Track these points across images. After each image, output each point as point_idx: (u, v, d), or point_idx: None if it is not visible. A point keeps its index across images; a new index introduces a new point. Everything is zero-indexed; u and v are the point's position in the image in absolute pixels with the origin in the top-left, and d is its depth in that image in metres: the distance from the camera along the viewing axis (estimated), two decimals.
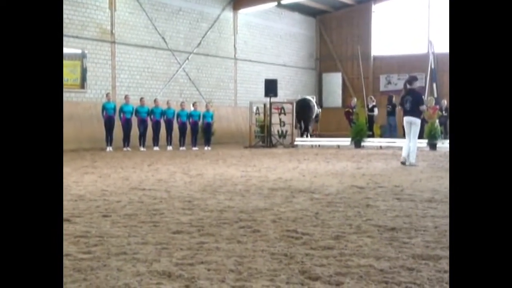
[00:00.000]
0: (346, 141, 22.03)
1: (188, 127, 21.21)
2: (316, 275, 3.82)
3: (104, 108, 19.47)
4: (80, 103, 20.88)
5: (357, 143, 21.44)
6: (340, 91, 32.73)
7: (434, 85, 28.99)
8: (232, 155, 17.29)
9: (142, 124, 20.04)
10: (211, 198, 7.75)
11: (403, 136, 16.44)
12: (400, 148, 18.56)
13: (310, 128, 25.13)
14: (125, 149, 19.55)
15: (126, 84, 22.63)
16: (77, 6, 20.79)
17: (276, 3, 28.42)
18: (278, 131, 23.63)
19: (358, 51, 31.13)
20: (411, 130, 13.35)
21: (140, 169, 12.35)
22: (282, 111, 23.65)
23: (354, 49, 31.70)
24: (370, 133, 23.23)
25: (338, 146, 21.92)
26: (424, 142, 20.14)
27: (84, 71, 21.04)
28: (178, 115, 20.93)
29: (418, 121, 13.37)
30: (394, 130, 24.38)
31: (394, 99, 24.12)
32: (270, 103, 22.72)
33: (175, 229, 5.48)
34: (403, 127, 14.72)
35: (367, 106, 24.71)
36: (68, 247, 4.71)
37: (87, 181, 9.79)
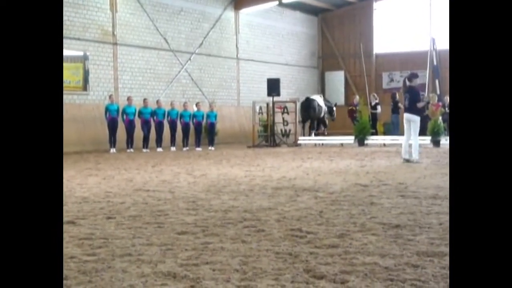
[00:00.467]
0: (350, 139, 22.01)
1: (192, 127, 21.21)
2: (321, 274, 3.81)
3: (107, 109, 19.48)
4: (82, 105, 20.90)
5: (360, 141, 21.42)
6: (343, 89, 32.71)
7: (437, 81, 28.95)
8: (236, 155, 17.29)
9: (146, 125, 20.05)
10: (215, 198, 7.75)
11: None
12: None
13: (321, 126, 25.15)
14: (128, 150, 19.56)
15: (129, 85, 22.64)
16: (78, 8, 20.80)
17: (277, 2, 28.41)
18: (281, 130, 23.62)
19: (361, 49, 31.07)
20: (410, 127, 13.30)
21: (144, 170, 12.36)
22: (285, 110, 23.64)
23: (356, 47, 31.65)
24: (374, 130, 23.20)
25: (342, 144, 21.90)
26: (427, 139, 20.11)
27: (86, 73, 21.06)
28: (181, 116, 20.93)
29: (416, 118, 13.29)
30: (397, 128, 24.34)
31: (397, 96, 24.10)
32: (273, 102, 22.71)
33: (179, 229, 5.48)
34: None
35: (370, 104, 24.69)
36: (72, 249, 4.72)
37: (91, 183, 9.80)
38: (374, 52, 32.07)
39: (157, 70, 23.86)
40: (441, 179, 9.48)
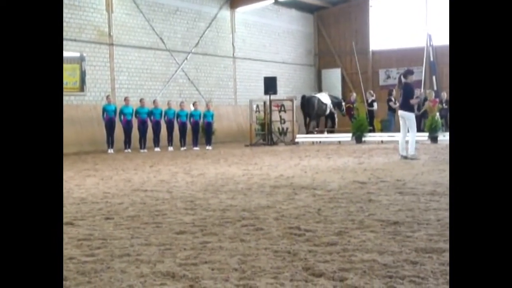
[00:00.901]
0: (347, 137, 22.01)
1: (189, 127, 21.20)
2: (319, 272, 3.82)
3: (104, 110, 19.47)
4: (80, 106, 20.88)
5: (358, 138, 21.42)
6: (339, 87, 32.70)
7: (434, 78, 28.98)
8: (233, 154, 17.29)
9: (143, 125, 20.03)
10: (213, 197, 7.76)
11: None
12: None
13: (313, 124, 25.20)
14: (126, 151, 19.55)
15: (126, 85, 22.62)
16: (74, 9, 20.77)
17: (273, 1, 28.40)
18: (278, 129, 23.62)
19: (353, 47, 31.10)
20: (405, 124, 13.32)
21: (141, 170, 12.36)
22: (282, 109, 23.64)
23: (353, 44, 31.69)
24: (371, 128, 23.21)
25: (339, 142, 21.91)
26: (424, 135, 20.15)
27: (83, 74, 21.04)
28: (178, 115, 20.92)
29: (409, 115, 13.25)
30: (391, 125, 24.38)
31: (393, 93, 24.14)
32: (270, 101, 22.71)
33: (178, 229, 5.48)
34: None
35: (367, 101, 24.69)
36: (71, 250, 4.71)
37: (89, 184, 9.80)
38: (370, 49, 32.07)
39: (153, 70, 23.84)
40: (439, 176, 9.49)
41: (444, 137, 19.53)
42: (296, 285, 3.57)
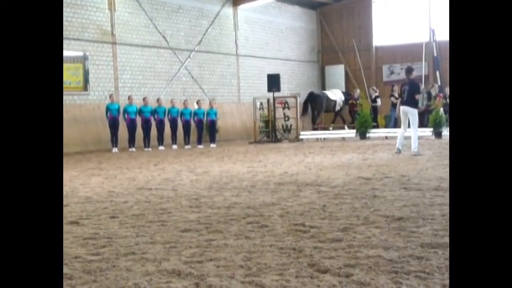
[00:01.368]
0: (351, 133, 21.99)
1: (193, 125, 21.21)
2: (325, 268, 3.82)
3: (108, 109, 19.49)
4: (83, 105, 20.91)
5: (362, 135, 21.40)
6: (343, 83, 32.63)
7: (437, 73, 28.90)
8: (238, 151, 17.29)
9: (146, 124, 20.05)
10: (218, 195, 7.76)
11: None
12: (405, 138, 18.62)
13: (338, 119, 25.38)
14: (130, 149, 19.57)
15: (129, 84, 22.64)
16: (77, 8, 20.79)
17: None
18: (282, 126, 23.62)
19: (354, 43, 31.04)
20: (406, 119, 13.36)
21: (146, 169, 12.37)
22: (286, 106, 23.64)
23: (356, 40, 31.64)
24: (375, 124, 23.19)
25: (344, 138, 21.89)
26: (428, 131, 20.14)
27: (86, 73, 21.06)
28: (182, 114, 20.93)
29: (414, 111, 13.30)
30: (392, 121, 24.27)
31: (395, 89, 24.06)
32: (274, 98, 22.71)
33: (183, 227, 5.49)
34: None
35: (370, 97, 24.66)
36: (77, 249, 4.72)
37: (94, 183, 9.81)
38: (373, 45, 32.00)
39: (157, 68, 23.84)
40: (443, 171, 9.47)
41: (448, 132, 19.49)
42: (301, 281, 3.57)
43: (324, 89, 31.55)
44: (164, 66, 24.17)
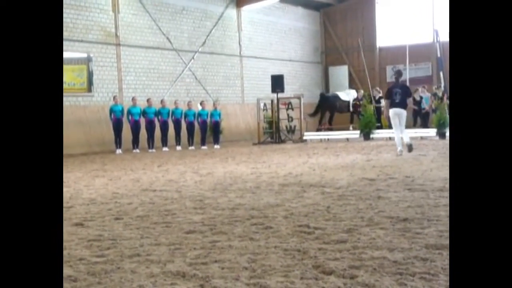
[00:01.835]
0: (355, 134, 21.97)
1: (197, 126, 21.23)
2: (330, 269, 3.81)
3: (111, 111, 19.52)
4: (87, 107, 20.94)
5: (366, 135, 21.38)
6: (347, 84, 32.61)
7: (441, 73, 28.87)
8: (242, 153, 17.30)
9: (150, 125, 20.07)
10: (222, 196, 7.76)
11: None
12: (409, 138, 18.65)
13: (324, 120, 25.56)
14: (134, 151, 19.60)
15: (133, 86, 22.67)
16: (81, 9, 20.83)
17: None
18: (286, 127, 23.62)
19: (359, 43, 31.02)
20: (399, 121, 13.69)
21: (150, 170, 12.38)
22: (290, 106, 23.64)
23: (360, 41, 31.62)
24: (379, 124, 23.15)
25: (347, 139, 21.88)
26: (432, 131, 20.18)
27: (90, 75, 21.10)
28: (186, 115, 20.95)
29: (405, 112, 13.79)
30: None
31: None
32: (278, 99, 22.72)
33: (187, 229, 5.49)
34: (388, 118, 14.99)
35: (374, 98, 24.63)
36: (81, 251, 4.73)
37: (98, 185, 9.82)
38: (377, 46, 31.97)
39: (160, 69, 23.88)
40: (447, 172, 9.45)
41: None
42: (306, 283, 3.56)
43: (328, 90, 31.58)
44: (168, 67, 24.19)
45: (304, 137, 22.72)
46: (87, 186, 9.68)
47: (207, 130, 21.51)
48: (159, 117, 20.32)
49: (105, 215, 6.59)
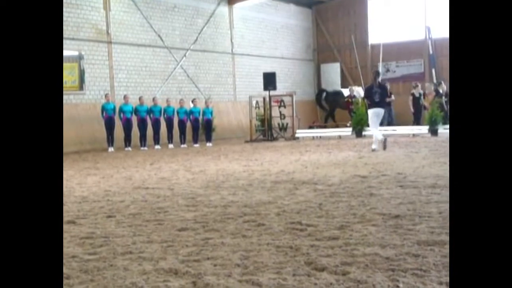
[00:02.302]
0: (348, 131, 22.01)
1: (189, 124, 21.20)
2: (322, 266, 3.82)
3: (103, 109, 19.46)
4: (79, 105, 20.87)
5: (358, 133, 21.41)
6: (339, 81, 32.62)
7: (433, 70, 28.95)
8: (234, 150, 17.29)
9: (142, 123, 20.03)
10: (215, 194, 7.76)
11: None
12: (401, 136, 18.77)
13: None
14: (126, 149, 19.55)
15: (125, 83, 22.60)
16: (72, 7, 20.73)
17: None
18: (278, 124, 23.62)
19: (352, 40, 31.04)
20: (378, 120, 14.35)
21: (142, 168, 12.36)
22: (282, 104, 23.64)
23: (352, 38, 31.64)
24: None
25: (340, 137, 21.91)
26: (424, 128, 20.25)
27: (82, 73, 21.02)
28: (178, 113, 20.91)
29: (383, 111, 14.66)
30: (392, 118, 24.17)
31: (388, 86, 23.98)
32: (270, 97, 22.71)
33: (179, 226, 5.49)
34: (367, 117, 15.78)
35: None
36: (74, 248, 4.72)
37: (90, 183, 9.80)
38: (369, 43, 32.01)
39: (152, 67, 23.81)
40: (439, 168, 9.49)
41: (444, 130, 19.52)
42: (298, 279, 3.57)
43: (321, 87, 31.56)
44: (159, 65, 24.13)
45: (296, 135, 22.74)
46: (79, 184, 9.66)
47: (199, 128, 21.48)
48: (151, 115, 20.28)
49: (97, 212, 6.59)
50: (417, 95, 22.28)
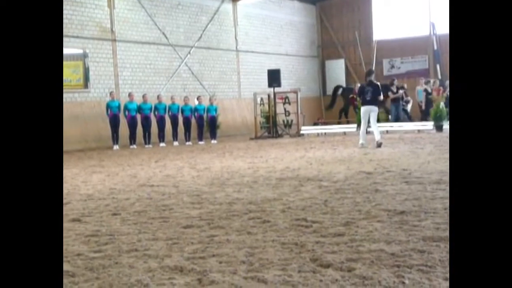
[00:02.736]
0: (352, 128, 21.98)
1: (193, 121, 21.21)
2: (327, 262, 3.82)
3: (108, 107, 19.49)
4: (84, 103, 20.91)
5: None
6: (343, 78, 32.61)
7: (438, 66, 28.88)
8: (239, 147, 17.29)
9: (146, 120, 20.04)
10: (220, 191, 7.76)
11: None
12: (406, 132, 18.75)
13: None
14: (131, 146, 19.58)
15: (129, 81, 22.63)
16: (76, 5, 20.77)
17: None
18: (283, 121, 23.62)
19: (357, 36, 30.99)
20: (370, 117, 14.49)
21: (147, 165, 12.37)
22: (287, 101, 23.63)
23: (356, 34, 31.59)
24: None
25: (345, 133, 21.88)
26: (429, 124, 20.20)
27: (86, 71, 21.06)
28: (182, 110, 20.93)
29: (376, 109, 14.80)
30: (398, 114, 24.13)
31: (395, 82, 23.96)
32: (274, 93, 22.70)
33: (185, 223, 5.49)
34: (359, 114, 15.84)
35: None
36: (79, 246, 4.73)
37: (96, 180, 9.82)
38: (374, 39, 31.95)
39: (157, 65, 23.83)
40: (444, 164, 9.46)
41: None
42: (304, 276, 3.57)
43: (325, 84, 31.55)
44: (164, 62, 24.15)
45: (301, 131, 22.73)
46: (85, 182, 9.68)
47: (204, 125, 21.49)
48: (156, 113, 20.30)
49: (102, 210, 6.59)
50: (429, 90, 22.29)
